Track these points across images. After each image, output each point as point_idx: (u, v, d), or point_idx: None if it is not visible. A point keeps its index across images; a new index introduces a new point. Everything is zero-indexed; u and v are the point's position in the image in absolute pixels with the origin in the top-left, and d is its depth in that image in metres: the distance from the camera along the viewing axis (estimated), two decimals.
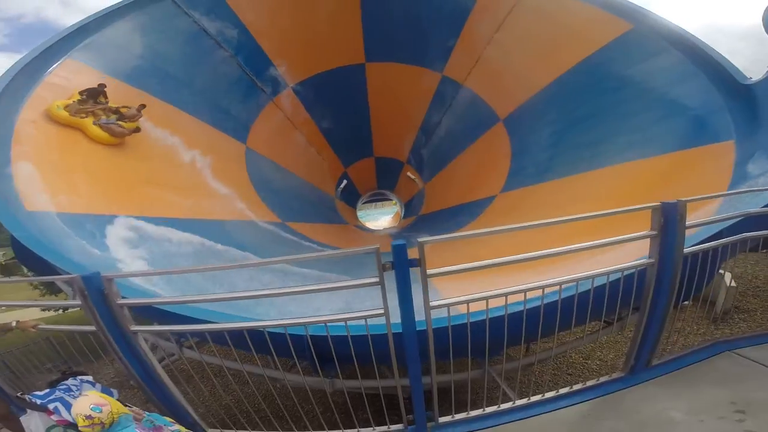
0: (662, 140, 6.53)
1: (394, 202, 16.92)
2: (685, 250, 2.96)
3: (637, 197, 3.03)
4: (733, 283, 6.82)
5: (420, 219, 13.08)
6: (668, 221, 2.83)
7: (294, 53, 11.22)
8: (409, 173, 14.58)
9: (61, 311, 15.66)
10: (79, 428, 2.36)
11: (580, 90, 8.45)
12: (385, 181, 15.51)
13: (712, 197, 3.75)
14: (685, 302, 7.67)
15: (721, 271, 7.43)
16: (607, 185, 6.94)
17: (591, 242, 2.81)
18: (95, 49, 7.25)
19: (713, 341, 3.69)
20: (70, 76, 6.55)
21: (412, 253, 2.61)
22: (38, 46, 6.52)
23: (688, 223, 2.87)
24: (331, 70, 11.90)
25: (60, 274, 3.94)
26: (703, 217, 3.46)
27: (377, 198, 16.80)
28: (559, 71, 8.93)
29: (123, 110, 6.76)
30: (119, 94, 7.15)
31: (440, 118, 12.54)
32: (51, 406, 2.78)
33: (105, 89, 6.74)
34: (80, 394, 3.05)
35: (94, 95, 6.48)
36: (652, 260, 2.95)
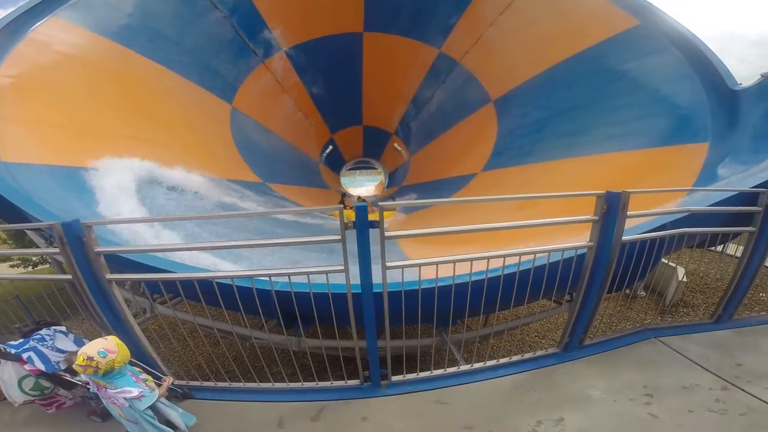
0: (641, 136, 6.71)
1: (378, 171, 17.02)
2: (624, 238, 3.19)
3: (606, 187, 3.24)
4: (685, 278, 7.25)
5: (402, 190, 13.28)
6: (610, 209, 3.05)
7: (291, 17, 11.01)
8: (396, 144, 14.66)
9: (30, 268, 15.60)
10: (74, 365, 2.47)
11: (573, 80, 8.53)
12: (372, 150, 15.55)
13: (653, 192, 3.97)
14: (641, 293, 8.20)
15: (675, 265, 7.90)
16: (582, 174, 7.15)
17: (538, 220, 3.01)
18: (83, 7, 7.06)
19: (642, 328, 4.02)
20: (55, 33, 6.42)
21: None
22: (25, 3, 6.34)
23: (629, 213, 3.09)
24: (327, 36, 11.74)
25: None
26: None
27: (362, 166, 16.88)
28: (557, 59, 8.96)
29: None
30: (104, 52, 7.04)
31: (432, 93, 12.55)
32: (24, 356, 2.92)
33: None
34: (53, 344, 3.20)
35: None
36: (591, 244, 3.19)
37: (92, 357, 2.44)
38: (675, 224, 3.64)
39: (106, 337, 2.66)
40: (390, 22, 11.61)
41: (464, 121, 11.49)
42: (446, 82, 12.02)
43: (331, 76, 12.47)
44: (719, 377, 3.30)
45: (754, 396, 3.05)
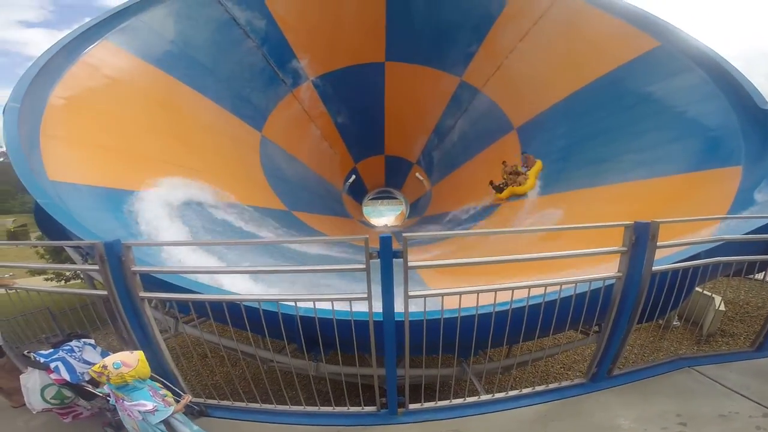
0: (671, 161, 6.54)
1: (400, 201, 17.10)
2: (654, 268, 3.10)
3: (635, 217, 3.16)
4: (723, 307, 6.88)
5: (423, 220, 13.25)
6: (639, 239, 2.98)
7: (317, 47, 11.52)
8: (417, 174, 14.76)
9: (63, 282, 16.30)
10: (90, 370, 2.60)
11: (598, 105, 8.46)
12: (394, 179, 15.69)
13: (684, 221, 3.85)
14: (676, 323, 7.80)
15: (710, 294, 7.51)
16: (611, 203, 6.98)
17: (563, 252, 2.98)
18: (131, 32, 7.63)
19: (676, 357, 3.82)
20: (105, 57, 6.94)
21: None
22: (79, 27, 6.91)
23: (659, 243, 3.01)
24: (351, 66, 12.18)
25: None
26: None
27: (384, 195, 17.03)
28: (579, 84, 8.93)
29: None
30: (148, 78, 7.56)
31: (455, 122, 12.68)
32: (52, 365, 3.02)
33: None
34: (81, 355, 3.31)
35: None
36: (619, 274, 3.11)
37: (106, 366, 2.58)
38: (709, 253, 3.52)
39: (133, 351, 2.77)
40: (411, 52, 11.94)
41: (487, 149, 11.53)
42: (468, 110, 12.15)
43: (355, 105, 12.83)
44: (761, 405, 3.10)
45: None
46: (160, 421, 2.63)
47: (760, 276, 8.79)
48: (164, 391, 2.88)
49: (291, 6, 10.83)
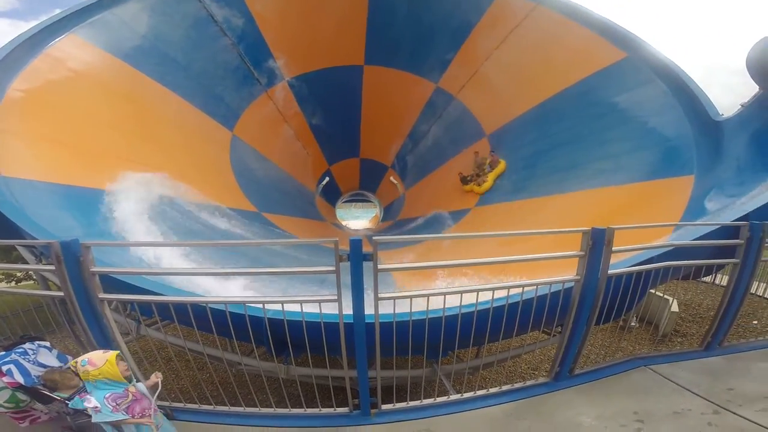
0: (631, 170, 6.86)
1: (374, 204, 17.16)
2: (610, 272, 3.28)
3: (596, 223, 3.34)
4: (677, 309, 7.32)
5: (397, 224, 13.34)
6: (595, 244, 3.15)
7: (295, 48, 11.43)
8: (392, 178, 14.87)
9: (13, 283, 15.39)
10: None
11: (567, 113, 8.77)
12: (368, 182, 15.73)
13: (637, 227, 4.09)
14: (634, 324, 8.21)
15: (666, 296, 7.96)
16: (572, 209, 7.29)
17: (526, 256, 3.11)
18: (101, 26, 7.37)
19: (633, 356, 4.04)
20: (70, 50, 6.66)
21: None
22: (47, 18, 6.63)
23: (615, 248, 3.19)
24: (329, 68, 12.14)
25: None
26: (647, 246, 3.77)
27: (358, 198, 17.01)
28: (550, 92, 9.23)
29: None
30: (113, 73, 7.28)
31: (429, 127, 12.87)
32: (4, 368, 2.90)
33: None
34: (35, 358, 3.18)
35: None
36: (578, 277, 3.28)
37: (77, 362, 2.64)
38: (661, 257, 3.74)
39: (107, 350, 2.73)
40: (390, 56, 12.03)
41: (460, 155, 11.75)
42: (442, 116, 12.36)
43: (331, 107, 12.79)
44: (711, 402, 3.31)
45: (746, 419, 3.06)
46: (106, 423, 2.57)
47: (709, 279, 9.33)
48: (127, 403, 2.71)
49: (272, 5, 10.71)
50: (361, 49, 11.95)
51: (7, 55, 5.59)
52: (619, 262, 3.66)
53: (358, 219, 17.92)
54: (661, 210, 5.85)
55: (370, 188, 16.12)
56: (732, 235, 4.01)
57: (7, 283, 15.74)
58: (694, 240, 3.92)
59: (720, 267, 4.60)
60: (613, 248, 3.17)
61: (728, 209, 4.46)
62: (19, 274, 15.24)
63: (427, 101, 12.51)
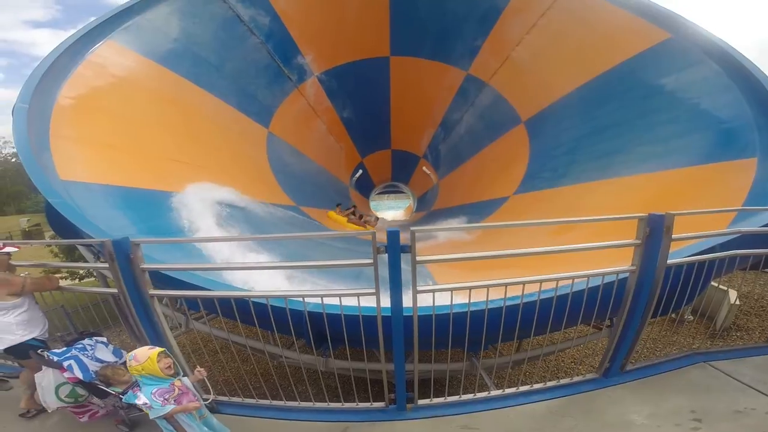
0: (684, 153, 6.41)
1: (407, 195, 17.07)
2: (669, 261, 3.03)
3: (647, 209, 3.08)
4: (737, 301, 6.77)
5: (431, 214, 13.18)
6: (653, 232, 2.91)
7: (322, 43, 11.46)
8: (424, 168, 14.69)
9: (77, 280, 16.65)
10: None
11: (607, 97, 8.31)
12: (401, 174, 15.66)
13: (700, 213, 3.75)
14: (688, 316, 7.68)
15: (725, 287, 7.38)
16: (621, 195, 6.87)
17: (575, 245, 2.93)
18: (135, 31, 7.66)
19: (691, 352, 3.75)
20: (111, 56, 6.98)
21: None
22: (83, 27, 6.95)
23: (674, 236, 2.94)
24: (356, 61, 12.09)
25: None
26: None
27: (391, 190, 17.02)
28: (588, 76, 8.76)
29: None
30: (154, 76, 7.58)
31: (461, 115, 12.55)
32: (65, 364, 3.06)
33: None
34: (93, 353, 3.35)
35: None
36: (633, 268, 3.05)
37: (128, 358, 2.76)
38: (725, 246, 3.44)
39: (153, 347, 2.80)
40: (416, 46, 11.82)
41: (495, 143, 11.40)
42: (475, 103, 12.02)
43: (361, 100, 12.78)
44: None
45: None
46: (161, 417, 2.65)
47: None
48: (176, 394, 2.80)
49: (294, 2, 10.75)
50: (385, 40, 11.79)
51: (53, 63, 5.90)
52: (678, 251, 3.38)
53: (391, 210, 17.92)
54: (718, 195, 5.43)
55: (403, 179, 16.03)
56: None
57: (71, 280, 17.18)
58: (763, 226, 3.57)
59: None
60: (673, 236, 2.92)
61: None
62: (81, 272, 16.53)
63: (458, 89, 12.19)
